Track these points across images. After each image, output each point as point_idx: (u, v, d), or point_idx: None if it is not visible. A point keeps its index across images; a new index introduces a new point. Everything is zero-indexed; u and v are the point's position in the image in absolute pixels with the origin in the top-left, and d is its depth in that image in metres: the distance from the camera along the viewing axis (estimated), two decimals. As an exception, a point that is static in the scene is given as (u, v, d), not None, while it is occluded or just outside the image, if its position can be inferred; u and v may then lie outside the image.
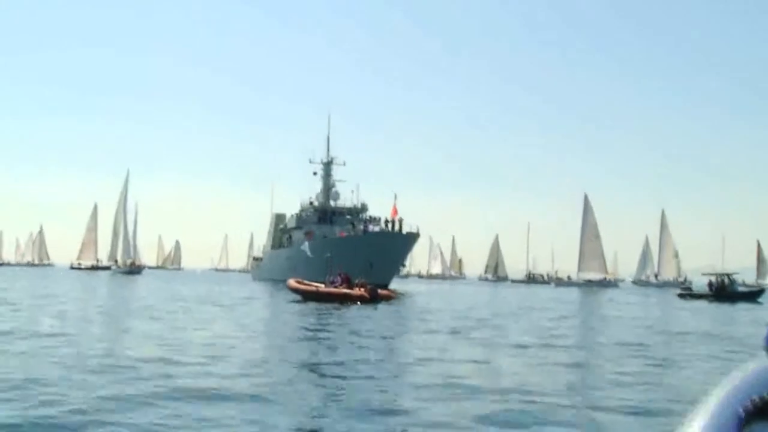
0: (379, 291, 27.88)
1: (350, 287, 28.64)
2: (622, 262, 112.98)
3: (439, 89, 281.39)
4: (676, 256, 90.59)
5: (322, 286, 29.58)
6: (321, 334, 15.88)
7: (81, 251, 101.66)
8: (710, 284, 46.94)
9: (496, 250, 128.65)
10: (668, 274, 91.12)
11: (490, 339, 15.41)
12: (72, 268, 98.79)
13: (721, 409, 1.44)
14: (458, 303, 35.12)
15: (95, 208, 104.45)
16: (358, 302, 26.92)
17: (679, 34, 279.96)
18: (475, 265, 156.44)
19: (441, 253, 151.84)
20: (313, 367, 10.37)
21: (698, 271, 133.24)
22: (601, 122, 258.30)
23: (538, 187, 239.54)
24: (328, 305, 25.71)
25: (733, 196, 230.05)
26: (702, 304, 40.32)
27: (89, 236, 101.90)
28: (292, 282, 31.64)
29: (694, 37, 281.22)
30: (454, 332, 16.84)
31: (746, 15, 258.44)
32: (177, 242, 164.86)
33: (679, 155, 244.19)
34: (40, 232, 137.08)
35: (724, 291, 45.47)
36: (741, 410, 1.41)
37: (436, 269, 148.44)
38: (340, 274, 30.04)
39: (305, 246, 58.29)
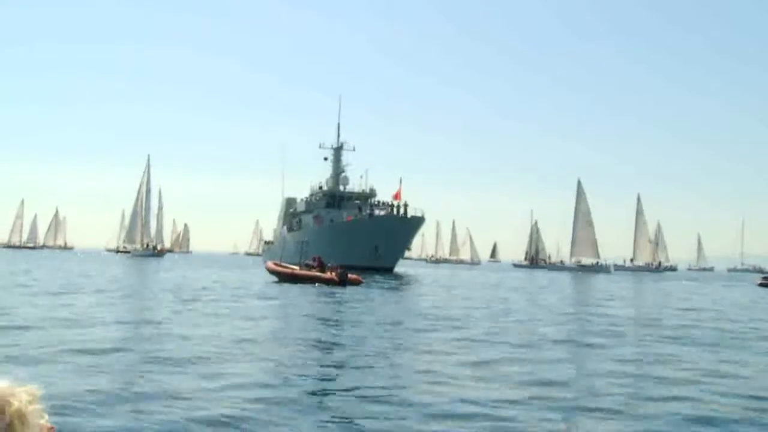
0: (348, 275, 28.73)
1: (323, 270, 29.66)
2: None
3: (451, 73, 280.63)
4: (650, 241, 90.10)
5: (297, 268, 30.76)
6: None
7: (129, 236, 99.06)
8: None
9: (535, 235, 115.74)
10: (644, 259, 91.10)
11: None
12: (118, 251, 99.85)
13: None
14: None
15: (139, 192, 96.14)
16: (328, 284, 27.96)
17: (683, 14, 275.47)
18: (486, 249, 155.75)
19: (470, 238, 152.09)
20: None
21: (719, 258, 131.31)
22: (608, 104, 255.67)
23: (543, 171, 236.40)
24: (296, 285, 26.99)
25: (753, 181, 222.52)
26: None
27: (138, 222, 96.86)
28: (270, 264, 33.00)
29: (700, 17, 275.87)
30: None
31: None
32: (185, 225, 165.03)
33: (700, 140, 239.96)
34: (56, 215, 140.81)
35: None
36: None
37: (464, 254, 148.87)
38: (314, 258, 31.15)
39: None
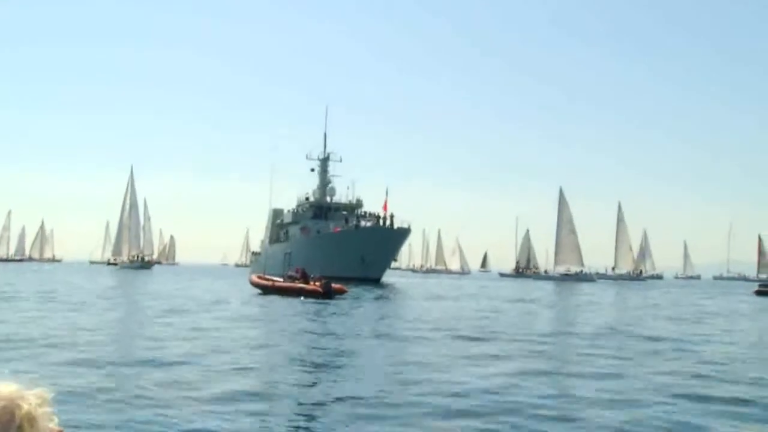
0: (333, 285, 29.17)
1: (307, 282, 30.13)
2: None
3: (449, 76, 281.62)
4: (631, 249, 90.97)
5: (281, 280, 31.27)
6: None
7: (116, 248, 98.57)
8: None
9: (527, 245, 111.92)
10: (626, 267, 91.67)
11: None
12: (108, 263, 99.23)
13: None
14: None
15: (126, 202, 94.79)
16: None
17: (679, 14, 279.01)
18: (479, 258, 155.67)
19: (460, 247, 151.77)
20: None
21: (706, 266, 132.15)
22: (604, 107, 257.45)
23: (538, 177, 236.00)
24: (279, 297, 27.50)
25: (741, 189, 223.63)
26: None
27: (125, 233, 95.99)
28: (253, 277, 33.52)
29: (699, 16, 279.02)
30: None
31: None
32: (171, 237, 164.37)
33: (692, 142, 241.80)
34: (42, 227, 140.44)
35: None
36: None
37: (453, 264, 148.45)
38: (297, 270, 31.65)
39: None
